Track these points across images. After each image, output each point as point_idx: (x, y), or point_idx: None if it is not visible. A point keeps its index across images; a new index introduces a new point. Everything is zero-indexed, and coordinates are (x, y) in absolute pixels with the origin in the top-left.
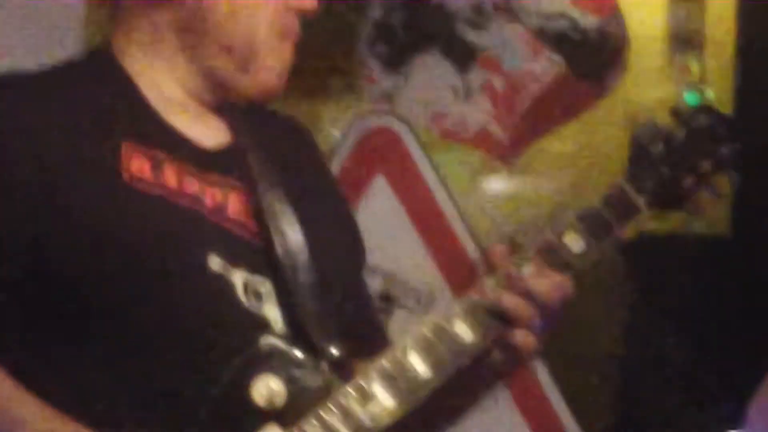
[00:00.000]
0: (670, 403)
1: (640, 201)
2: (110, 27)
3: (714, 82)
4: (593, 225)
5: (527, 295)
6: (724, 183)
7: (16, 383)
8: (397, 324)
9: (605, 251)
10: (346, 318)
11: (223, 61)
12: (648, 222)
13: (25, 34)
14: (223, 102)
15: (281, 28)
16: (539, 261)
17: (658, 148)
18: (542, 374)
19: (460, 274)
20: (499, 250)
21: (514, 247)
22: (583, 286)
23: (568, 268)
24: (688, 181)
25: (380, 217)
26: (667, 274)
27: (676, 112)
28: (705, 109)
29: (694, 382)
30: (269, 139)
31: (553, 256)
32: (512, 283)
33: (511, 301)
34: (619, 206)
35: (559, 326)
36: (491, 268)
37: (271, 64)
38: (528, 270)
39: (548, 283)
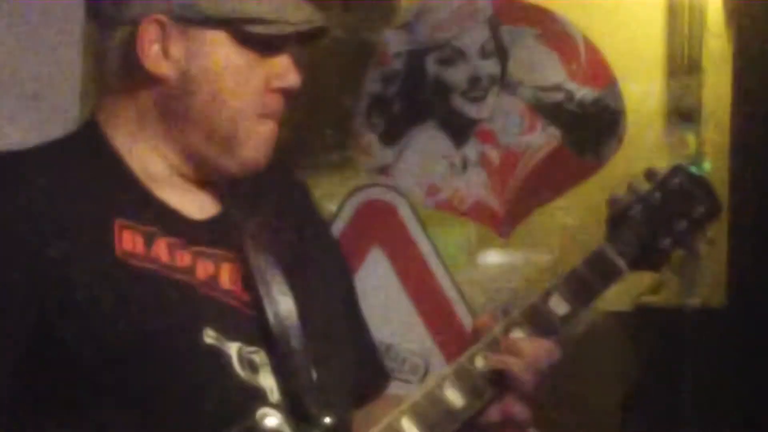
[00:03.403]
0: None
1: (621, 262)
2: (98, 103)
3: (711, 156)
4: (577, 288)
5: (516, 356)
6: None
7: None
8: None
9: (589, 314)
10: (347, 374)
11: (205, 144)
12: (645, 295)
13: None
14: (208, 178)
15: (263, 109)
16: (526, 325)
17: (636, 209)
18: None
19: (455, 345)
20: (486, 317)
21: (503, 314)
22: (580, 357)
23: (554, 332)
24: (666, 241)
25: (376, 289)
26: (664, 345)
27: (651, 174)
28: (678, 169)
29: None
30: (261, 200)
31: (538, 320)
32: (500, 347)
33: (501, 362)
34: (601, 268)
35: (556, 398)
36: (479, 334)
37: (253, 145)
38: (515, 334)
39: (535, 346)
